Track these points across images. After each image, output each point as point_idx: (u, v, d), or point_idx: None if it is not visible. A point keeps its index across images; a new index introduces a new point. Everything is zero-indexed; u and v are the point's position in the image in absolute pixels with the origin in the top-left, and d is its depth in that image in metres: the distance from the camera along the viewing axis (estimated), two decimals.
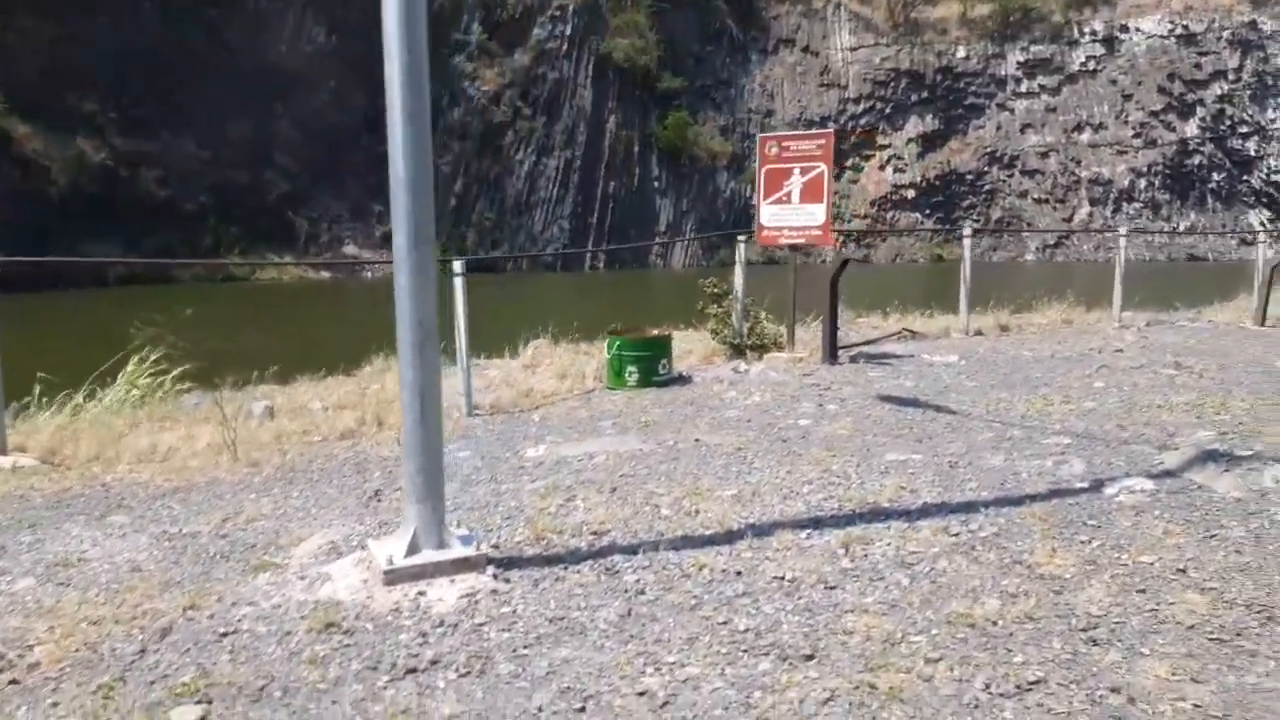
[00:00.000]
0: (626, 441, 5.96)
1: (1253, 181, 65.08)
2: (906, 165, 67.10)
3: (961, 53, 66.83)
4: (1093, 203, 65.02)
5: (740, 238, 9.52)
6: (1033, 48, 66.15)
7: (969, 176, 66.78)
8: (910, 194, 66.71)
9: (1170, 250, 61.21)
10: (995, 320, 11.60)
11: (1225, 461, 4.93)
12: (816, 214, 8.77)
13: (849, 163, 67.62)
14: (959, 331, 10.74)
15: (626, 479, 5.13)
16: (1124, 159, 64.22)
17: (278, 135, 47.82)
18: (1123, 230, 12.66)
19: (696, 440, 6.01)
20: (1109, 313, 12.39)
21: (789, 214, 8.88)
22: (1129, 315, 12.82)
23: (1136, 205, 64.39)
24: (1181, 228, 62.00)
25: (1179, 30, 64.56)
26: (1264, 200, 64.91)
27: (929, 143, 67.09)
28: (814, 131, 8.64)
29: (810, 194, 8.75)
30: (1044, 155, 65.92)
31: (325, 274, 47.18)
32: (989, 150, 67.09)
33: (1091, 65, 65.36)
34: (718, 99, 64.80)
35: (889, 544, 4.03)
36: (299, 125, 48.86)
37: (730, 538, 4.15)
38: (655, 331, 8.35)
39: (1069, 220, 64.78)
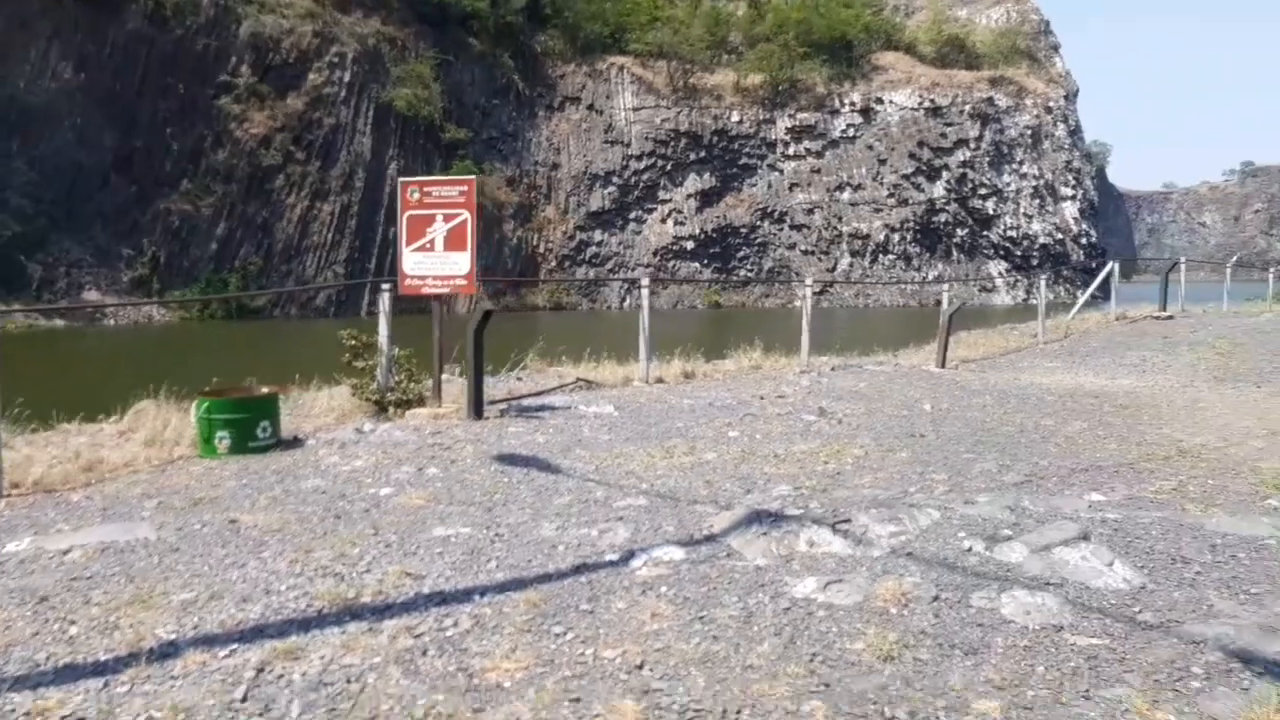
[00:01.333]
0: (135, 529, 4.97)
1: (991, 237, 71.84)
2: (686, 219, 69.31)
3: (736, 117, 70.19)
4: (853, 254, 69.55)
5: (385, 286, 8.76)
6: (799, 115, 70.42)
7: (743, 230, 69.84)
8: (690, 245, 68.89)
9: (921, 297, 66.21)
10: (683, 368, 11.43)
11: (770, 523, 4.62)
12: (461, 263, 8.18)
13: (633, 215, 69.19)
14: (641, 379, 10.45)
15: (80, 583, 4.16)
16: (880, 216, 69.21)
17: (13, 175, 43.08)
18: (808, 281, 12.97)
19: (232, 521, 5.12)
20: (799, 358, 12.56)
21: (433, 262, 8.24)
22: (823, 360, 13.10)
23: (891, 257, 69.44)
24: (930, 277, 67.30)
25: (927, 103, 70.77)
26: (1001, 253, 71.76)
27: (707, 198, 69.70)
28: (456, 178, 8.04)
29: (454, 242, 8.16)
30: (810, 211, 70.00)
31: (60, 321, 42.48)
32: (761, 206, 70.48)
33: (851, 132, 70.35)
34: (504, 151, 64.64)
35: (323, 656, 3.32)
36: (37, 164, 44.26)
37: (126, 663, 3.29)
38: (266, 389, 7.40)
39: (832, 270, 68.92)
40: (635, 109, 69.78)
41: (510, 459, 6.60)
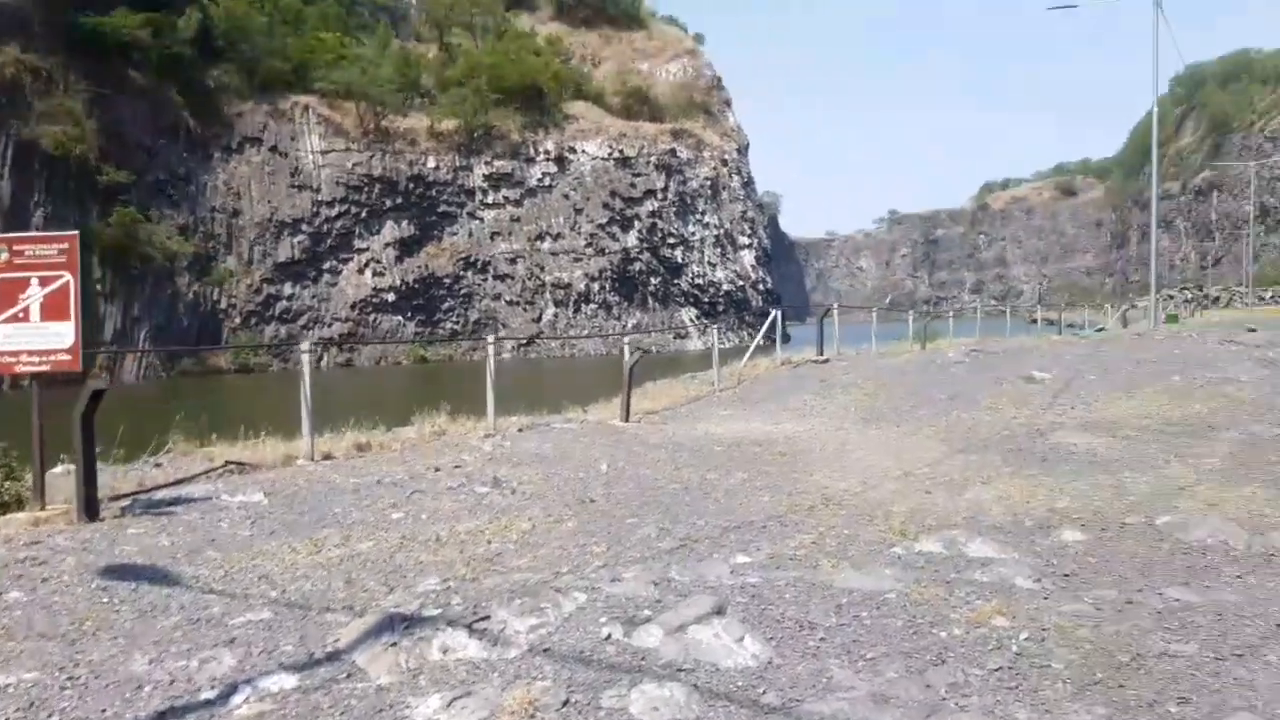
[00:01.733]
0: None
1: (682, 285, 76.45)
2: (386, 269, 67.18)
3: (432, 163, 69.40)
4: (557, 304, 70.98)
5: None
6: (496, 162, 71.08)
7: (447, 280, 68.91)
8: (391, 297, 66.78)
9: (621, 345, 68.82)
10: (356, 440, 10.71)
11: (403, 629, 4.20)
12: (64, 334, 7.02)
13: (326, 265, 65.91)
14: (305, 457, 9.60)
15: None
16: (579, 265, 71.32)
17: None
18: (490, 338, 12.73)
19: None
20: (486, 421, 12.26)
21: (28, 335, 6.99)
22: (512, 420, 12.89)
23: (593, 306, 71.67)
24: (629, 325, 70.22)
25: (616, 154, 74.27)
26: (691, 300, 76.52)
27: (406, 247, 68.07)
28: (54, 234, 6.82)
29: (54, 310, 6.99)
30: (513, 261, 70.61)
31: None
32: (464, 255, 70.02)
33: (547, 181, 72.11)
34: (175, 196, 58.99)
35: None
36: None
37: None
38: None
39: (538, 320, 69.86)
40: (324, 152, 66.85)
41: (120, 571, 5.64)
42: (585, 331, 69.97)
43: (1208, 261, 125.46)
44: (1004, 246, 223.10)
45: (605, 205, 73.19)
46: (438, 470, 8.97)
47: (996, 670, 3.75)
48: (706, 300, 77.15)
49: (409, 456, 10.12)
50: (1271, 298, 71.04)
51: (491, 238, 71.13)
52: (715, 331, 19.68)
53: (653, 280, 74.83)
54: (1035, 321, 49.92)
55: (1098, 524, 6.30)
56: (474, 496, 7.71)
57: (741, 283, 79.56)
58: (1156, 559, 5.51)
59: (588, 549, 5.85)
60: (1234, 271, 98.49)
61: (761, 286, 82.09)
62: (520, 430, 12.03)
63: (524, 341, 69.36)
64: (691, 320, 76.49)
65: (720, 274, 78.12)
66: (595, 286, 72.07)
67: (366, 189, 67.11)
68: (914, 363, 16.88)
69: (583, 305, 71.60)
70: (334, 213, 66.25)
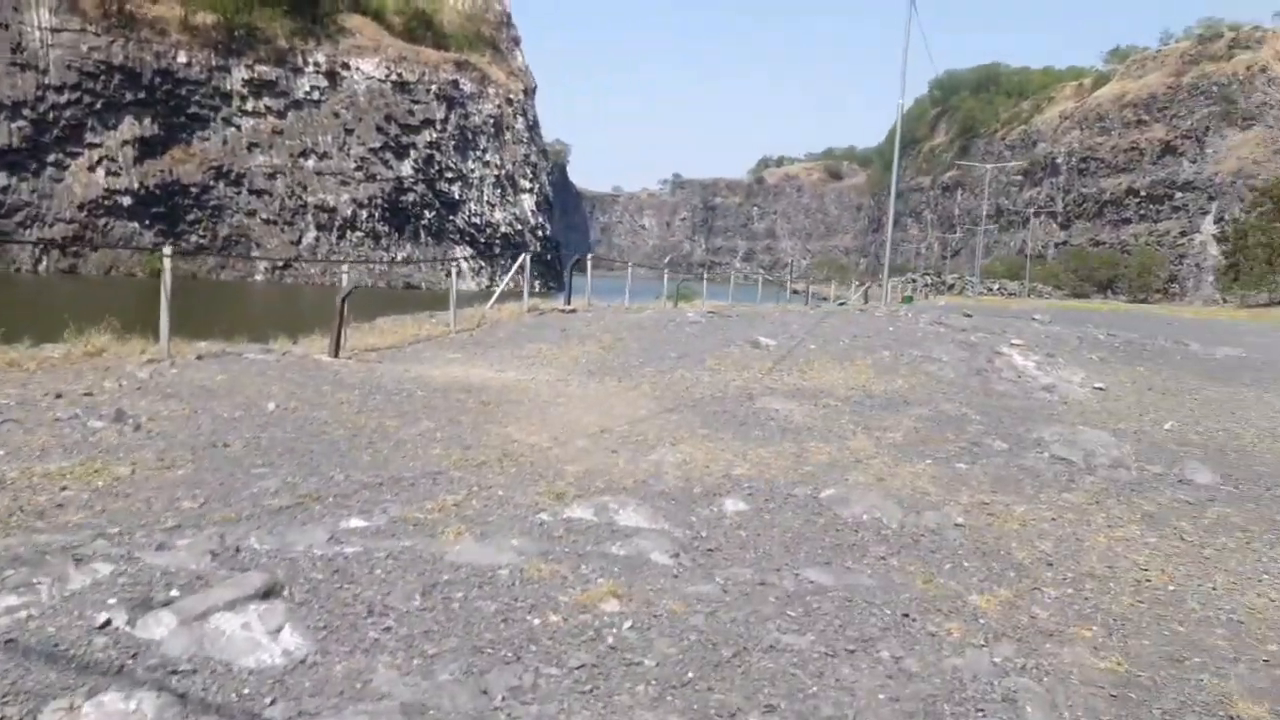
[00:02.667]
0: None
1: (458, 222, 73.95)
2: (122, 169, 59.98)
3: (183, 58, 62.43)
4: (319, 228, 66.54)
5: None
6: (258, 67, 65.08)
7: (194, 190, 62.64)
8: (127, 201, 59.83)
9: (390, 278, 65.73)
10: (7, 357, 8.92)
11: None
12: None
13: (51, 158, 57.88)
14: None
15: None
16: (347, 189, 67.11)
17: None
18: (167, 250, 11.03)
19: None
20: (161, 344, 10.66)
21: None
22: (200, 346, 11.35)
23: (359, 234, 67.83)
24: (399, 257, 67.16)
25: (394, 77, 70.12)
26: (466, 238, 74.25)
27: (148, 148, 61.09)
28: None
29: None
30: (271, 177, 65.28)
31: None
32: (215, 165, 63.88)
33: (316, 95, 66.98)
34: None
35: None
36: None
37: None
38: None
39: (297, 243, 65.21)
40: (54, 30, 58.36)
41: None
42: (350, 259, 66.14)
43: (948, 251, 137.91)
44: (775, 220, 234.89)
45: (379, 129, 69.13)
46: (58, 397, 7.51)
47: (577, 668, 3.23)
48: (483, 240, 75.16)
49: (40, 378, 8.50)
50: (998, 289, 78.76)
51: (249, 148, 65.29)
52: (455, 270, 18.54)
53: (427, 214, 71.83)
54: (796, 291, 52.57)
55: (765, 494, 6.08)
56: (81, 431, 6.42)
57: (520, 226, 78.15)
58: (808, 535, 5.30)
59: (178, 504, 4.86)
60: (970, 262, 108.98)
61: (541, 232, 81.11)
62: (200, 358, 10.56)
63: (280, 264, 64.60)
64: (466, 259, 74.31)
65: (499, 215, 76.30)
66: (363, 214, 68.16)
67: (104, 78, 59.41)
68: (656, 319, 16.74)
69: (348, 232, 67.57)
70: (63, 99, 58.20)
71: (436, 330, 15.94)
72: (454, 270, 17.13)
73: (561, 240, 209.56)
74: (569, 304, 18.47)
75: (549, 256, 79.22)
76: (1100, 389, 12.73)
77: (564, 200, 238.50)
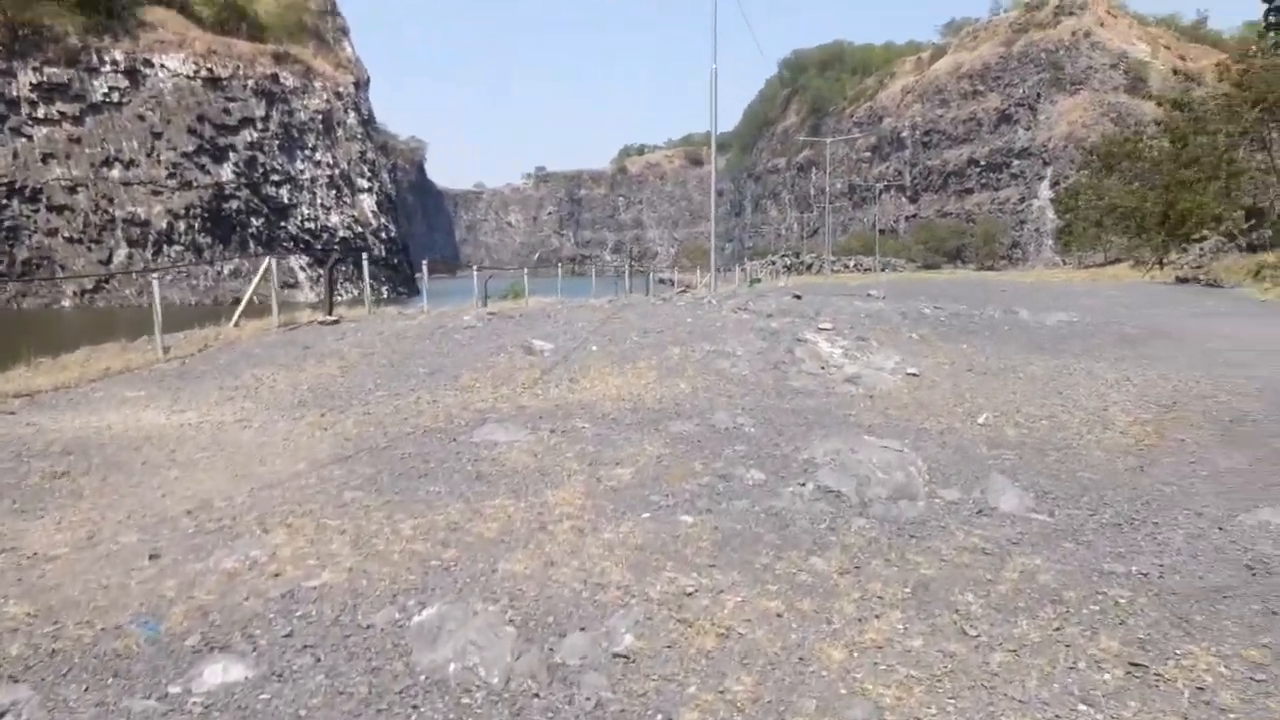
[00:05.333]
0: None
1: (289, 228, 69.02)
2: None
3: None
4: (131, 244, 60.71)
5: None
6: (48, 69, 58.72)
7: None
8: None
9: (217, 293, 60.60)
10: None
11: None
12: None
13: None
14: None
15: None
16: (160, 199, 61.47)
17: None
18: None
19: None
20: None
21: None
22: None
23: (178, 248, 62.27)
24: (226, 271, 62.03)
25: (204, 73, 64.64)
26: (300, 245, 69.41)
27: None
28: None
29: None
30: (72, 190, 59.08)
31: None
32: (7, 181, 57.28)
33: (116, 97, 61.00)
34: None
35: None
36: None
37: None
38: None
39: (107, 262, 59.27)
40: None
41: None
42: (170, 277, 60.61)
43: (806, 231, 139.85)
44: (640, 210, 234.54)
45: (192, 131, 63.63)
46: None
47: None
48: (320, 247, 70.43)
49: None
50: (854, 265, 79.35)
51: (44, 160, 58.91)
52: (156, 282, 15.18)
53: (254, 221, 66.70)
54: (662, 280, 51.19)
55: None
56: None
57: (361, 229, 73.73)
58: None
59: None
60: (831, 239, 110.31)
61: (385, 234, 76.85)
62: None
63: (90, 288, 58.69)
64: (303, 268, 69.55)
65: (335, 218, 71.72)
66: (181, 225, 62.58)
67: None
68: (424, 328, 14.24)
69: (165, 246, 61.91)
70: None
71: (146, 358, 12.99)
72: (154, 282, 13.98)
73: (425, 242, 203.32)
74: (331, 314, 15.73)
75: (396, 260, 75.24)
76: (913, 375, 11.02)
77: (424, 200, 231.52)
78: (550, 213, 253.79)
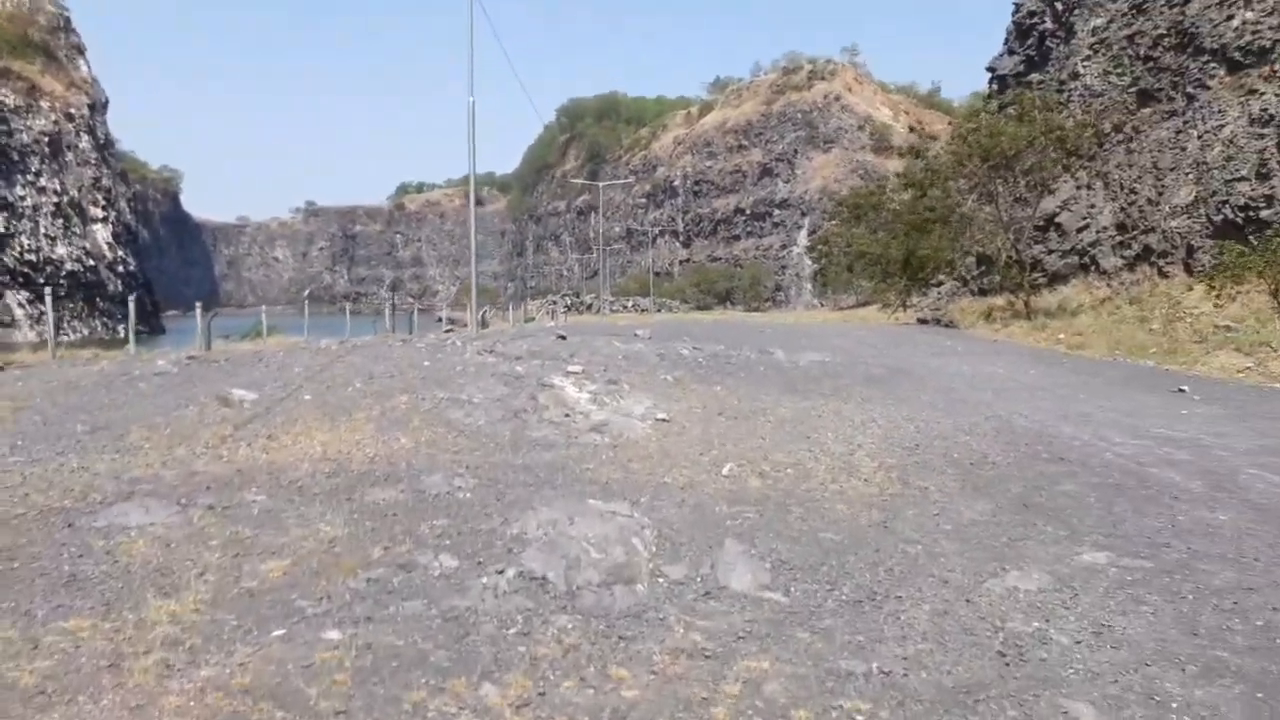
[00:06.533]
0: None
1: (6, 260, 60.72)
2: None
3: None
4: None
5: None
6: None
7: None
8: None
9: None
10: None
11: None
12: None
13: None
14: None
15: None
16: None
17: None
18: None
19: None
20: None
21: None
22: None
23: None
24: None
25: None
26: (20, 279, 61.19)
27: None
28: None
29: None
30: None
31: None
32: None
33: None
34: None
35: None
36: None
37: None
38: None
39: None
40: None
41: None
42: None
43: (588, 272, 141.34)
44: (420, 247, 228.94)
45: None
46: None
47: None
48: (43, 281, 62.32)
49: None
50: (632, 305, 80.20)
51: None
52: None
53: None
54: (439, 320, 48.97)
55: None
56: None
57: (94, 262, 66.09)
58: None
59: None
60: (610, 281, 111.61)
61: (122, 268, 69.37)
62: None
63: None
64: (22, 304, 61.33)
65: (62, 250, 63.86)
66: None
67: None
68: (107, 374, 11.97)
69: None
70: None
71: None
72: None
73: (180, 277, 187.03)
74: None
75: (135, 296, 67.88)
76: (663, 420, 10.25)
77: (179, 233, 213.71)
78: (322, 248, 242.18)
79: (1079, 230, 29.37)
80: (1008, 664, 4.02)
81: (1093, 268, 28.52)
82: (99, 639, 3.91)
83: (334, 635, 4.02)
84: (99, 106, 72.65)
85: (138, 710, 3.28)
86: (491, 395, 10.50)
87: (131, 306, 18.67)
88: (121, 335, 65.44)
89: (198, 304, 19.53)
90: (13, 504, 6.36)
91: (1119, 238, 27.43)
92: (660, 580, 4.96)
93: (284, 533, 5.65)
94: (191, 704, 3.33)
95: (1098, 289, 27.32)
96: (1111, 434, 10.18)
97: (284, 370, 11.87)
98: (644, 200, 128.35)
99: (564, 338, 19.71)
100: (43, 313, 61.48)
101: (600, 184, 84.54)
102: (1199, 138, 24.45)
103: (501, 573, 4.80)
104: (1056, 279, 29.75)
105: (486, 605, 4.42)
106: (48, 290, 16.16)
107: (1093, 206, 28.96)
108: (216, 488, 6.94)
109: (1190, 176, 24.56)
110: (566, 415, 10.05)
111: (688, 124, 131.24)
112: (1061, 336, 22.99)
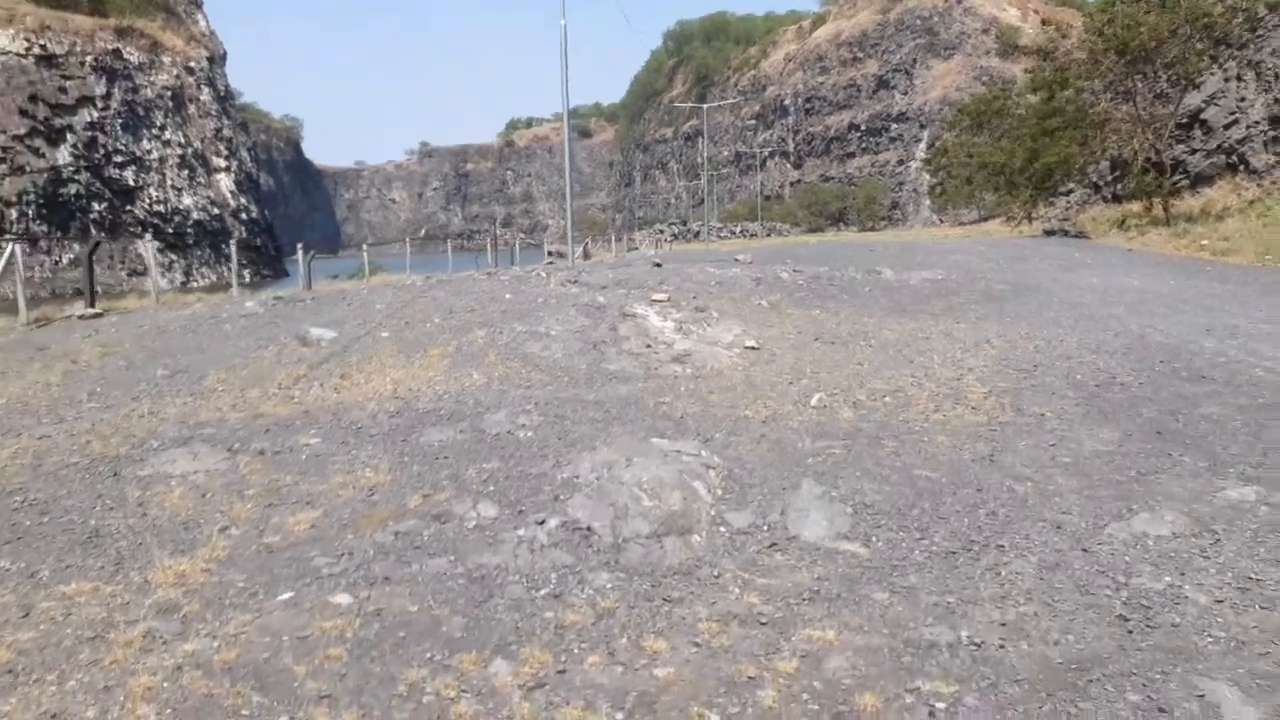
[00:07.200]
0: None
1: (137, 212, 63.86)
2: None
3: None
4: None
5: None
6: None
7: None
8: None
9: (55, 285, 55.49)
10: None
11: None
12: None
13: None
14: None
15: None
16: None
17: None
18: None
19: None
20: None
21: None
22: None
23: (9, 238, 56.71)
24: (65, 261, 56.91)
25: (37, 50, 58.81)
26: (150, 230, 64.33)
27: None
28: None
29: None
30: None
31: None
32: None
33: None
34: None
35: None
36: None
37: None
38: None
39: None
40: None
41: None
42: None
43: (695, 199, 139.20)
44: (530, 183, 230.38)
45: (24, 113, 57.81)
46: None
47: None
48: (172, 231, 65.48)
49: None
50: (741, 231, 78.56)
51: None
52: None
53: (96, 206, 61.34)
54: (551, 253, 49.12)
55: None
56: None
57: (218, 211, 68.87)
58: None
59: None
60: (715, 209, 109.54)
61: (245, 215, 72.11)
62: None
63: None
64: (154, 254, 64.47)
65: (188, 200, 66.68)
66: (13, 213, 56.98)
67: None
68: (195, 318, 12.07)
69: None
70: None
71: None
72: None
73: (305, 223, 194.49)
74: (93, 305, 13.36)
75: (258, 243, 70.84)
76: (753, 348, 9.56)
77: (302, 180, 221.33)
78: (436, 188, 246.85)
79: (1226, 126, 26.46)
80: (1130, 631, 3.28)
81: (1241, 167, 25.71)
82: (94, 605, 3.62)
83: (343, 600, 3.62)
84: (218, 59, 74.88)
85: (104, 693, 2.95)
86: (571, 327, 10.00)
87: (234, 251, 18.99)
88: (247, 280, 68.42)
89: (299, 246, 19.75)
90: (70, 453, 6.26)
91: (1272, 132, 24.57)
92: (721, 530, 4.38)
93: (325, 479, 5.32)
94: (164, 686, 2.97)
95: (1246, 190, 24.63)
96: (1262, 347, 8.93)
97: (366, 308, 11.68)
98: (754, 122, 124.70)
99: (659, 265, 19.07)
100: (174, 261, 64.85)
101: (705, 105, 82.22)
102: None
103: (542, 523, 4.31)
104: (1200, 181, 27.01)
105: (519, 562, 3.94)
106: (148, 240, 16.45)
107: (1243, 99, 25.99)
108: (276, 430, 6.71)
109: None
110: (648, 346, 9.47)
111: (799, 39, 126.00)
112: (1205, 243, 20.87)
